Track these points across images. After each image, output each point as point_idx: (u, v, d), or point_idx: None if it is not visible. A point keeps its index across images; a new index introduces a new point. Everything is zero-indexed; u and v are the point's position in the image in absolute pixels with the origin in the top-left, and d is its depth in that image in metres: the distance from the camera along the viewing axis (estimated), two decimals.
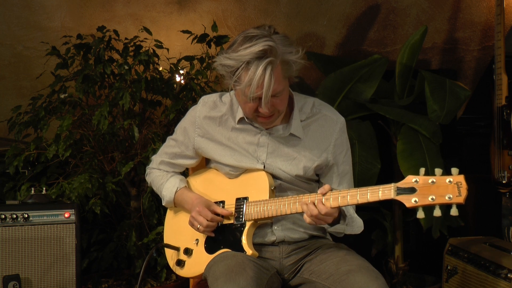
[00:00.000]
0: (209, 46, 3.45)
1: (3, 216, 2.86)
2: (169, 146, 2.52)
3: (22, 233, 2.89)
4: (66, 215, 2.94)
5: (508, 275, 2.71)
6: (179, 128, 2.49)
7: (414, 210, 2.02)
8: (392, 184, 2.03)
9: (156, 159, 2.58)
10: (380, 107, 3.23)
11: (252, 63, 2.10)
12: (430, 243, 3.39)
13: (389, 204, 3.41)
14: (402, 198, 2.00)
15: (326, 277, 2.21)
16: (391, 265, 3.45)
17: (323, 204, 2.12)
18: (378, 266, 2.28)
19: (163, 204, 2.53)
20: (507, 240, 3.34)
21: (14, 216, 2.88)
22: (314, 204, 2.13)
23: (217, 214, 2.35)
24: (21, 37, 3.81)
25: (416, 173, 2.85)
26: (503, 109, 3.31)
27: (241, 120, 2.35)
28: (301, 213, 2.28)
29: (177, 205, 2.51)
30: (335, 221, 2.24)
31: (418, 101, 3.30)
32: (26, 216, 2.89)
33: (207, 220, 2.32)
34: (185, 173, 2.63)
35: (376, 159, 3.20)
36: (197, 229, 2.36)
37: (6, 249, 2.87)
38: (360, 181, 3.10)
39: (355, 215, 2.34)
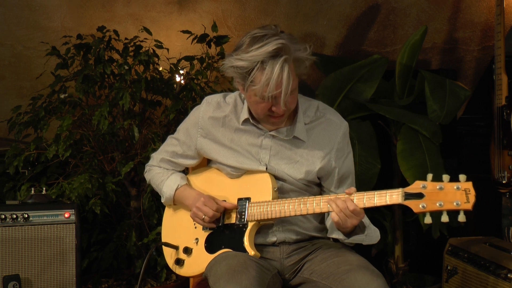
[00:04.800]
0: (209, 46, 3.45)
1: (3, 216, 2.86)
2: (171, 145, 2.51)
3: (22, 233, 2.89)
4: (66, 215, 2.94)
5: (508, 275, 2.71)
6: (181, 128, 2.48)
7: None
8: (400, 189, 2.04)
9: (156, 156, 2.57)
10: (380, 107, 3.23)
11: (267, 62, 2.09)
12: (430, 243, 3.39)
13: None
14: (410, 204, 2.01)
15: (327, 277, 2.21)
16: (391, 265, 3.45)
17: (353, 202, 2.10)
18: (378, 266, 2.27)
19: (162, 201, 2.52)
20: (507, 240, 3.34)
21: (14, 216, 2.88)
22: (342, 200, 2.11)
23: None
24: (21, 37, 3.81)
25: (416, 173, 2.84)
26: (503, 109, 3.31)
27: (245, 121, 2.34)
28: (305, 215, 2.28)
29: (177, 203, 2.50)
30: (351, 232, 2.22)
31: (418, 101, 3.30)
32: (26, 216, 2.89)
33: (213, 210, 2.31)
34: (185, 171, 2.62)
35: (376, 159, 3.20)
36: (202, 220, 2.34)
37: (6, 249, 2.87)
38: (360, 181, 3.09)
39: (371, 224, 2.31)
